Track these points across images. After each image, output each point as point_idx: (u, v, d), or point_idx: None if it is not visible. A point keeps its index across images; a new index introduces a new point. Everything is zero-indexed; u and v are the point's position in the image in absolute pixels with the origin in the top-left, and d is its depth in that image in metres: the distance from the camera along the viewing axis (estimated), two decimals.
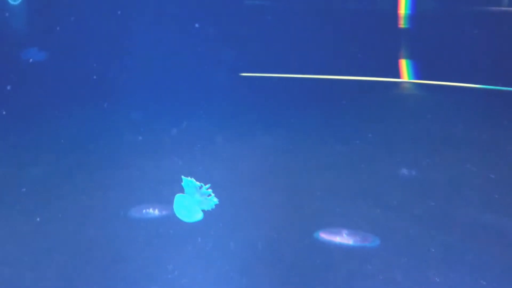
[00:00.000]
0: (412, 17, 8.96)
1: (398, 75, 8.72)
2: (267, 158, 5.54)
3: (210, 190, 2.89)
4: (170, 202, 4.02)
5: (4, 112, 6.52)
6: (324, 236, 4.24)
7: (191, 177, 2.90)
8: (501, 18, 8.47)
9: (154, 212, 4.41)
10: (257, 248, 3.92)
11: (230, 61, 8.54)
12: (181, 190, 3.60)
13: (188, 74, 8.16)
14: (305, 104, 7.55)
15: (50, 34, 8.04)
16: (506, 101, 7.73)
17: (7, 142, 6.08)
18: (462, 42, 8.43)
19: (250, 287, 3.51)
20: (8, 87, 6.87)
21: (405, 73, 8.72)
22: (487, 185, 4.92)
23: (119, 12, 8.37)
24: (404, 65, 8.76)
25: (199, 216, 2.90)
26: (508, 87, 7.94)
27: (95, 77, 7.68)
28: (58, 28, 8.04)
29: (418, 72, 8.69)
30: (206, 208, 2.89)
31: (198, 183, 2.89)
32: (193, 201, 2.88)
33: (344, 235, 4.24)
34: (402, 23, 8.93)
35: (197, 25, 8.53)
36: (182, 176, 2.93)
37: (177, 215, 2.92)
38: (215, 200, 2.89)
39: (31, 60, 7.71)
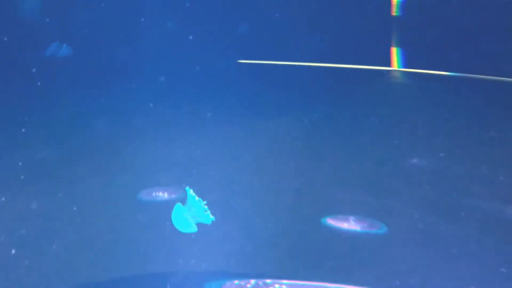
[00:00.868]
0: (404, 4, 8.95)
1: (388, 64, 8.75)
2: (274, 144, 5.57)
3: (206, 207, 2.94)
4: (179, 186, 4.06)
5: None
6: (332, 222, 4.28)
7: (192, 191, 2.96)
8: (492, 6, 8.39)
9: (163, 195, 4.47)
10: (264, 232, 3.96)
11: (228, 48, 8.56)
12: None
13: (187, 63, 8.16)
14: (305, 92, 7.56)
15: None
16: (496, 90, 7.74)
17: (21, 123, 6.09)
18: (452, 30, 8.41)
19: (257, 270, 3.55)
20: (34, 70, 6.87)
21: (395, 61, 8.74)
22: (490, 174, 4.94)
23: None
24: (394, 53, 8.78)
25: (193, 229, 2.96)
26: (500, 76, 7.95)
27: (103, 64, 7.71)
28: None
29: (408, 61, 8.70)
30: (203, 222, 2.94)
31: (197, 197, 2.95)
32: (190, 214, 2.93)
33: (352, 221, 4.28)
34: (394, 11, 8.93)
35: (187, 4, 8.52)
36: (186, 187, 2.98)
37: (173, 223, 2.97)
38: (212, 217, 2.95)
39: (55, 55, 7.72)
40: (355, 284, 3.45)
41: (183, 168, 4.84)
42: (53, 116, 6.38)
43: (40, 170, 4.90)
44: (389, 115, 6.66)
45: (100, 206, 4.35)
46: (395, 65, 8.75)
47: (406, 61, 8.71)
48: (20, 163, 4.93)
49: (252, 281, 3.41)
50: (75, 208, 4.25)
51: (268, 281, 3.40)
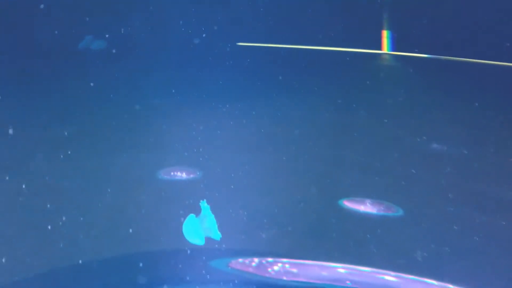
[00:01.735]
0: None
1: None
2: (288, 126, 5.54)
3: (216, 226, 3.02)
4: (196, 166, 4.14)
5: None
6: (348, 204, 4.26)
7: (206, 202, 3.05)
8: None
9: (182, 175, 4.56)
10: (275, 213, 3.99)
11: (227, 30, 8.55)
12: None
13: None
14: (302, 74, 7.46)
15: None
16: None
17: (38, 101, 6.29)
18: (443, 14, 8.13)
19: (272, 250, 3.58)
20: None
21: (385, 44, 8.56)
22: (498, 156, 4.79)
23: None
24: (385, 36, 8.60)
25: (201, 241, 3.04)
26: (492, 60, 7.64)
27: (114, 51, 7.85)
28: None
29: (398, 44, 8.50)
30: (212, 237, 3.02)
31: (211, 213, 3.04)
32: (202, 226, 3.02)
33: (368, 204, 4.24)
34: None
35: None
36: (203, 201, 3.06)
37: (184, 232, 3.07)
38: (219, 234, 3.03)
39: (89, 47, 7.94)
40: (364, 265, 3.44)
41: (203, 150, 4.92)
42: (71, 95, 6.56)
43: (64, 144, 5.08)
44: (401, 97, 6.53)
45: (119, 181, 4.48)
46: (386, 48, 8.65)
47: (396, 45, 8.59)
48: (44, 136, 5.15)
49: (256, 260, 3.46)
50: (94, 183, 4.41)
51: (270, 259, 3.45)
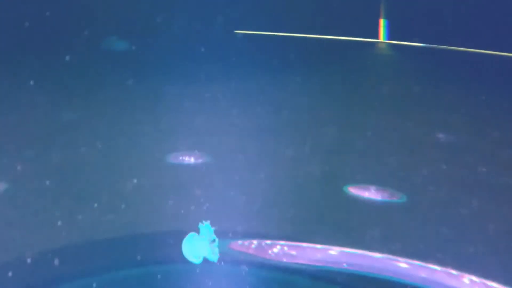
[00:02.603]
0: None
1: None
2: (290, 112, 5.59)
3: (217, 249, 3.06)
4: (205, 151, 4.22)
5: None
6: (353, 190, 4.29)
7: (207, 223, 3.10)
8: None
9: (189, 159, 4.66)
10: (279, 196, 4.03)
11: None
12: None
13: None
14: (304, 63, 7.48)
15: None
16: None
17: (52, 88, 6.45)
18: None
19: (274, 233, 3.62)
20: None
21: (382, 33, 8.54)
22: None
23: None
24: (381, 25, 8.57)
25: (198, 260, 3.09)
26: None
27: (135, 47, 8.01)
28: None
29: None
30: (209, 258, 3.07)
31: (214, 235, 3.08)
32: (201, 246, 3.06)
33: (372, 190, 4.27)
34: None
35: None
36: (206, 222, 3.12)
37: (183, 249, 3.12)
38: (217, 255, 3.06)
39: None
40: (362, 248, 3.47)
41: (211, 136, 5.02)
42: (84, 83, 6.71)
43: (78, 128, 5.23)
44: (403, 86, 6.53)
45: (129, 163, 4.60)
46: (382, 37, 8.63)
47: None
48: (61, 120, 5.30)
49: (255, 242, 3.52)
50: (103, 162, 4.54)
51: (268, 241, 3.50)
